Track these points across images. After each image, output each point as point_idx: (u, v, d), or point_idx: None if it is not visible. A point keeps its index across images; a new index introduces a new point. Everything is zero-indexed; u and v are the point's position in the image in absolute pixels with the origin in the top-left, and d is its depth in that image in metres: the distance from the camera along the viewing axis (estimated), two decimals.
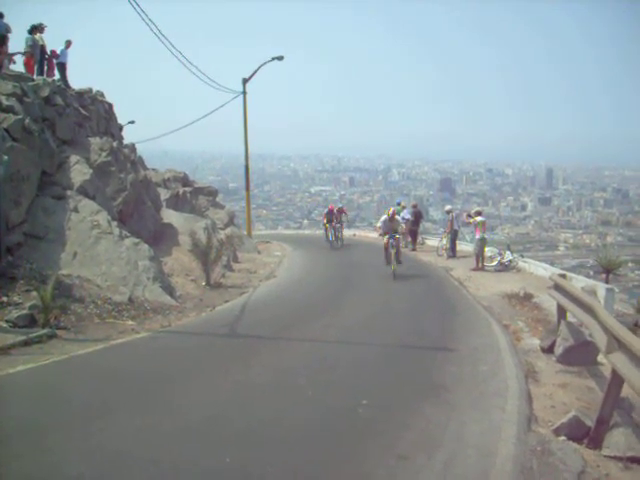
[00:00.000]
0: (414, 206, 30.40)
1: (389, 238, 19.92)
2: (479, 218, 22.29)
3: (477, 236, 21.88)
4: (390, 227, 20.30)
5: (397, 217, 21.30)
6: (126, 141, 24.63)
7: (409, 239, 29.05)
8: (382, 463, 5.53)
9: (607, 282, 18.62)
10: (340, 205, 31.79)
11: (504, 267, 21.71)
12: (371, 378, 8.40)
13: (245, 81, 31.83)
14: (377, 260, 21.11)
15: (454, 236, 25.72)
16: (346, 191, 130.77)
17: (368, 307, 14.03)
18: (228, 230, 27.38)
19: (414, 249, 28.41)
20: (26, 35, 18.88)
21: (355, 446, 5.91)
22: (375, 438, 6.15)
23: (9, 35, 17.27)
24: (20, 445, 5.59)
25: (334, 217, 28.83)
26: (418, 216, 29.27)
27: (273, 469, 5.32)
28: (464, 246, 27.79)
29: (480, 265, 21.63)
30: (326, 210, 30.12)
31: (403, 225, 22.95)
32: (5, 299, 11.12)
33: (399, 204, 31.75)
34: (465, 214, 26.10)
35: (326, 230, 29.49)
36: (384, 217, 20.75)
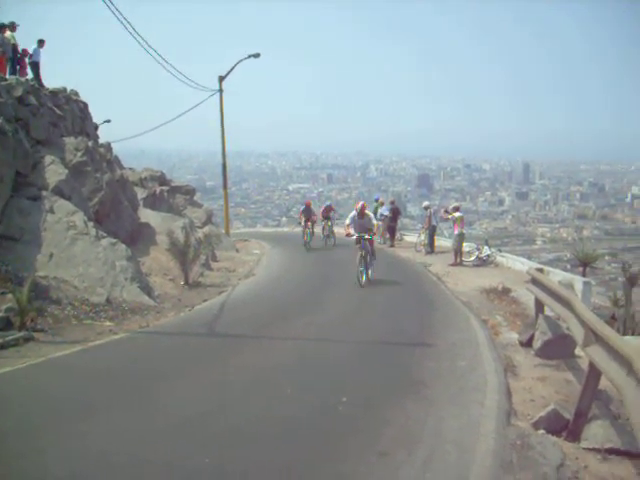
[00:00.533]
0: (392, 202, 30.49)
1: (359, 242, 16.75)
2: (457, 214, 22.43)
3: (455, 232, 22.02)
4: (361, 225, 17.17)
5: (368, 212, 17.89)
6: (102, 140, 24.40)
7: (387, 235, 29.15)
8: (363, 460, 5.53)
9: (584, 275, 18.84)
10: (328, 203, 30.65)
11: (482, 262, 21.85)
12: (351, 375, 8.40)
13: (221, 79, 31.73)
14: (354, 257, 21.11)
15: (432, 232, 25.84)
16: (324, 188, 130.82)
17: (347, 304, 14.03)
18: (206, 229, 27.29)
19: (392, 245, 28.51)
20: None
21: (335, 443, 5.90)
22: (355, 435, 6.14)
23: None
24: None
25: (312, 215, 27.08)
26: (396, 212, 29.33)
27: (253, 468, 5.30)
28: (442, 242, 27.93)
29: (458, 260, 21.76)
30: (303, 207, 28.00)
31: (376, 222, 20.01)
32: None
33: (377, 200, 31.86)
34: (443, 210, 26.26)
35: (304, 229, 26.97)
36: (352, 213, 17.59)
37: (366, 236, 16.89)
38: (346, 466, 5.40)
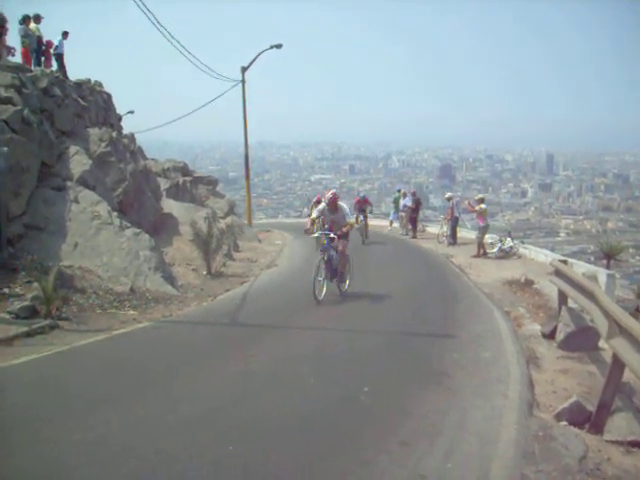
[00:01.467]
0: (413, 193, 30.38)
1: (321, 238, 13.52)
2: (483, 206, 22.30)
3: (481, 224, 21.86)
4: (332, 221, 13.79)
5: (341, 204, 13.88)
6: (125, 131, 24.57)
7: (410, 226, 29.10)
8: (384, 449, 5.55)
9: (608, 268, 18.67)
10: (363, 194, 28.06)
11: (505, 254, 21.73)
12: (373, 366, 8.41)
13: (244, 69, 31.76)
14: (381, 248, 21.13)
15: (454, 223, 25.74)
16: (346, 179, 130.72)
17: (368, 294, 14.02)
18: (229, 219, 27.37)
19: (414, 236, 28.44)
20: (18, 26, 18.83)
21: (357, 433, 5.92)
22: (377, 425, 6.17)
23: (7, 26, 17.23)
24: (23, 436, 5.60)
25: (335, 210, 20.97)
26: (418, 203, 29.25)
27: (276, 456, 5.34)
28: (464, 233, 27.82)
29: (482, 252, 21.65)
30: (314, 199, 22.62)
31: (351, 220, 14.44)
32: (7, 290, 11.14)
33: (399, 191, 31.86)
34: (467, 202, 26.10)
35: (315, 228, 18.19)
36: (321, 205, 14.13)
37: (331, 234, 13.23)
38: (367, 455, 5.43)
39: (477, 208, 22.49)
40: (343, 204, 13.98)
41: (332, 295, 13.18)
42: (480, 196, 24.45)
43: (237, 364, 8.30)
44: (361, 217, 25.20)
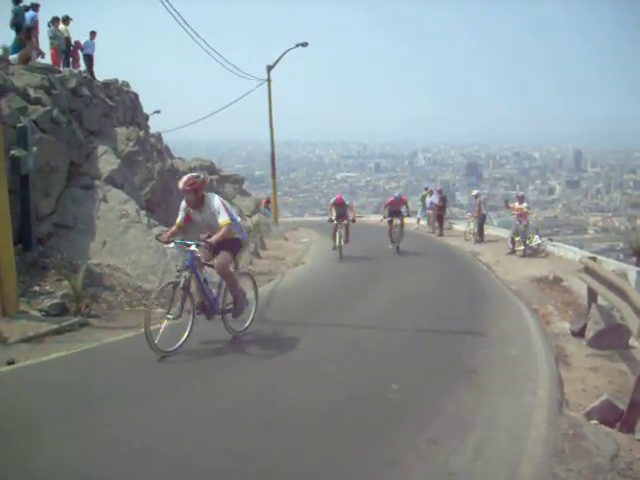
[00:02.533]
0: (439, 191, 30.22)
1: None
2: (524, 204, 22.05)
3: (524, 222, 21.45)
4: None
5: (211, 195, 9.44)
6: (152, 130, 24.77)
7: (436, 224, 28.99)
8: (413, 447, 5.53)
9: (638, 265, 18.41)
10: (398, 193, 23.00)
11: (533, 251, 21.53)
12: (401, 363, 8.38)
13: (269, 68, 31.85)
14: (408, 245, 21.04)
15: (482, 220, 25.59)
16: (372, 177, 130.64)
17: (396, 292, 13.98)
18: (255, 217, 27.49)
19: (441, 234, 28.32)
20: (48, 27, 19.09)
21: (385, 431, 5.90)
22: (405, 422, 6.15)
23: (39, 28, 17.48)
24: (53, 432, 5.65)
25: (345, 212, 20.09)
26: (444, 201, 29.12)
27: (303, 454, 5.33)
28: (491, 230, 27.66)
29: (517, 249, 21.38)
30: (333, 200, 20.71)
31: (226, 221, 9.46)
32: (37, 288, 11.28)
33: (426, 189, 31.84)
34: (506, 201, 25.61)
35: (334, 230, 19.98)
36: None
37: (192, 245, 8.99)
38: (396, 453, 5.41)
39: (525, 208, 21.99)
40: (215, 196, 9.45)
41: (357, 292, 13.12)
42: (520, 193, 24.32)
43: (264, 361, 8.32)
44: (397, 220, 21.32)
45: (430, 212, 29.82)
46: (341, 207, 20.04)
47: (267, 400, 6.70)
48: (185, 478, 4.90)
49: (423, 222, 31.62)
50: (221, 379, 7.47)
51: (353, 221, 20.43)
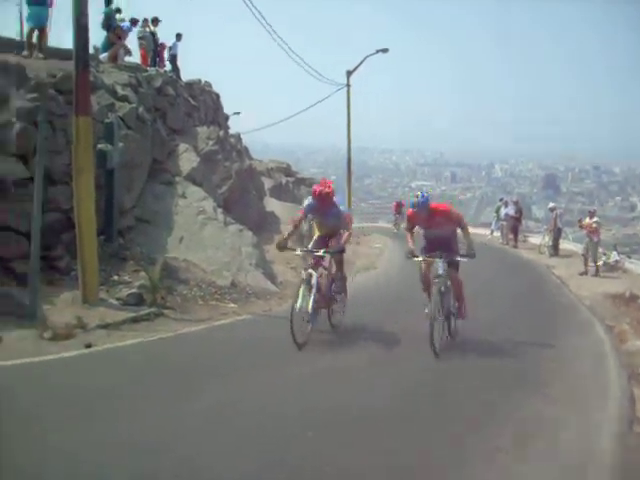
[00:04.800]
0: (515, 202, 29.70)
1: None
2: (595, 219, 21.37)
3: (595, 239, 20.61)
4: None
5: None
6: (231, 131, 25.25)
7: (511, 236, 28.52)
8: (480, 456, 5.49)
9: None
10: (421, 197, 16.60)
11: (609, 268, 20.92)
12: (470, 372, 8.27)
13: (349, 73, 31.99)
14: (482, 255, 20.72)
15: (557, 234, 25.02)
16: (447, 187, 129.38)
17: (470, 300, 13.75)
18: None
19: (515, 246, 27.83)
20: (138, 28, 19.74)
21: (454, 438, 5.87)
22: (472, 432, 6.08)
23: (124, 24, 18.10)
24: (129, 413, 5.89)
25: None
26: (520, 212, 28.64)
27: (373, 456, 5.35)
28: (566, 244, 27.06)
29: (590, 268, 20.52)
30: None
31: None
32: (116, 278, 11.68)
33: (501, 200, 31.43)
34: (580, 219, 24.72)
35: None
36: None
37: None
38: (463, 459, 5.40)
39: (595, 224, 21.12)
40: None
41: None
42: (592, 208, 23.74)
43: (332, 360, 8.38)
44: (440, 265, 18.62)
45: (504, 223, 29.35)
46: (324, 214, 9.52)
47: (336, 397, 6.76)
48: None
49: (496, 234, 31.15)
50: (283, 370, 7.59)
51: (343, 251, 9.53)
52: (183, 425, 5.70)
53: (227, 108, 26.17)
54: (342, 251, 9.40)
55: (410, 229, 9.71)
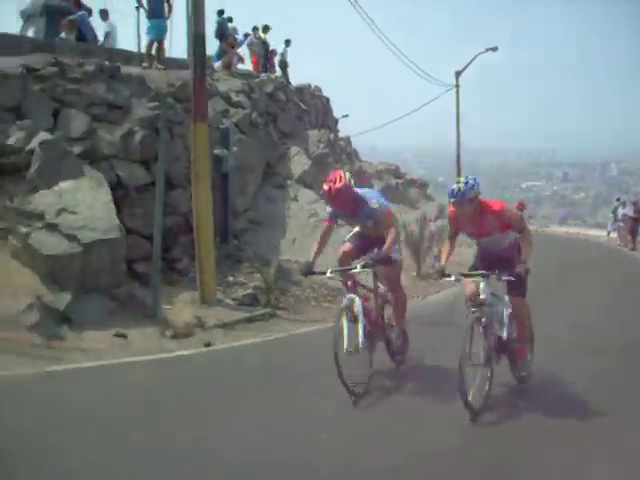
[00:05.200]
0: (634, 203, 28.27)
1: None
2: None
3: None
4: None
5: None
6: (340, 134, 25.43)
7: (629, 237, 27.23)
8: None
9: None
10: (459, 184, 6.98)
11: None
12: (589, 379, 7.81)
13: (458, 73, 31.60)
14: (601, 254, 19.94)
15: None
16: (558, 187, 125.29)
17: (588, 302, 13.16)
18: (439, 222, 27.35)
19: (634, 248, 26.53)
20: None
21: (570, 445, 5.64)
22: (599, 438, 5.81)
23: (238, 37, 18.63)
24: (249, 407, 6.07)
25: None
26: (638, 213, 27.26)
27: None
28: None
29: None
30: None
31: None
32: (231, 279, 12.01)
33: (618, 200, 30.05)
34: None
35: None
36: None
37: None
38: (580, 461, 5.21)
39: None
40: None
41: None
42: None
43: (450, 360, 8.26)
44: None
45: (622, 224, 28.06)
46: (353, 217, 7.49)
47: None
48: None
49: (613, 235, 29.84)
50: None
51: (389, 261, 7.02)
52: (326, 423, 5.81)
53: (335, 111, 26.41)
54: (388, 261, 6.82)
55: (451, 236, 7.12)
